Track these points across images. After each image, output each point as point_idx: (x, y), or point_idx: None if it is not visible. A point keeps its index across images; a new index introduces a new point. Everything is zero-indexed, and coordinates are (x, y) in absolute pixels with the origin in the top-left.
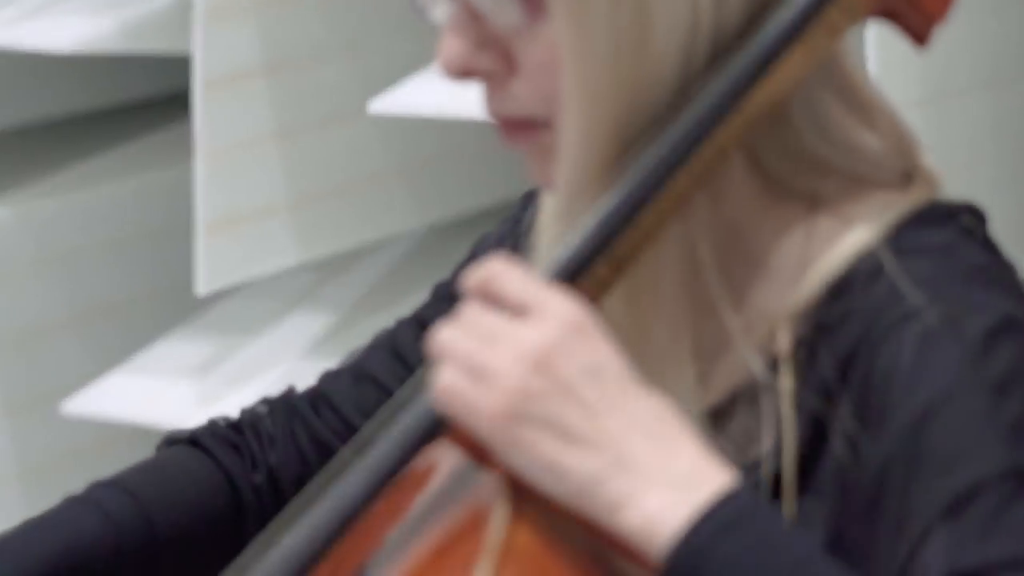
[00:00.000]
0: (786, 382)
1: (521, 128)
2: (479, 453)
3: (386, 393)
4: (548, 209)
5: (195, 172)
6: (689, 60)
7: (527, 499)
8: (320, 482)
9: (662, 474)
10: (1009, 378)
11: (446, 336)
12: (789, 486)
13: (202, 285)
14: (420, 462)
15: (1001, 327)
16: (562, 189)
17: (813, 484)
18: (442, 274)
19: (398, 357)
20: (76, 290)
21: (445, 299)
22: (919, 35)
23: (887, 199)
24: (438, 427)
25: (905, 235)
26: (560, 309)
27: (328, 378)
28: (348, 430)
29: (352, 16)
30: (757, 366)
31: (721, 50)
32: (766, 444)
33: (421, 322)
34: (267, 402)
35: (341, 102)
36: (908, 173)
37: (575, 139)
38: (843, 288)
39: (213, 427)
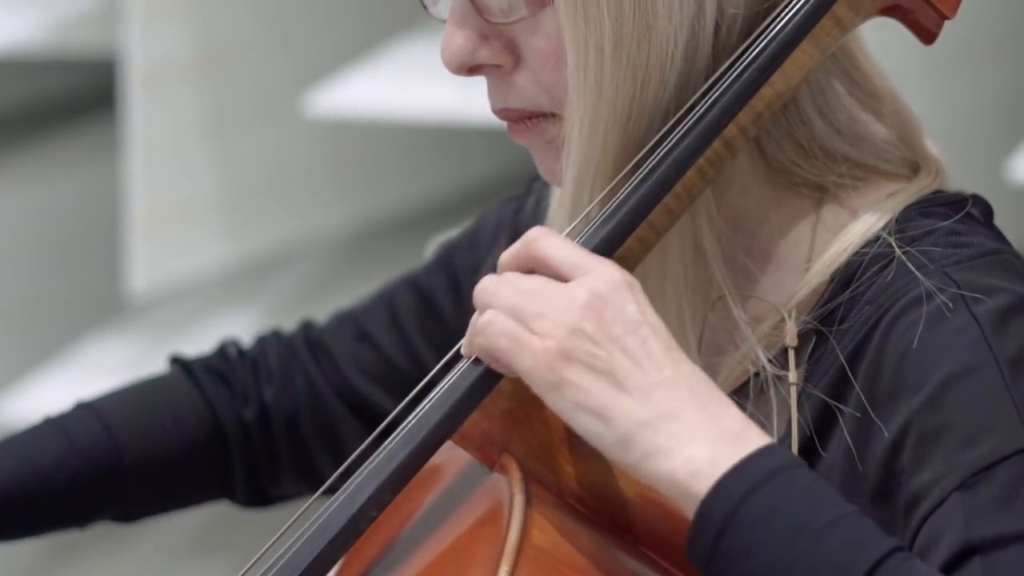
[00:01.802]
0: (793, 373)
1: (527, 121)
2: (487, 454)
3: (382, 356)
4: (556, 203)
5: (126, 168)
6: (694, 49)
7: (541, 498)
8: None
9: (710, 428)
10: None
11: (491, 285)
12: None
13: (134, 281)
14: (427, 464)
15: (1013, 307)
16: (569, 181)
17: (820, 474)
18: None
19: (396, 323)
20: (7, 289)
21: (444, 268)
22: (928, 31)
23: (894, 188)
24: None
25: (912, 222)
26: (607, 270)
27: (334, 326)
28: (342, 383)
29: (283, 11)
30: (763, 358)
31: (727, 40)
32: (775, 436)
33: (419, 288)
34: (278, 336)
35: (273, 98)
36: (915, 162)
37: (581, 130)
38: (851, 277)
39: (213, 356)
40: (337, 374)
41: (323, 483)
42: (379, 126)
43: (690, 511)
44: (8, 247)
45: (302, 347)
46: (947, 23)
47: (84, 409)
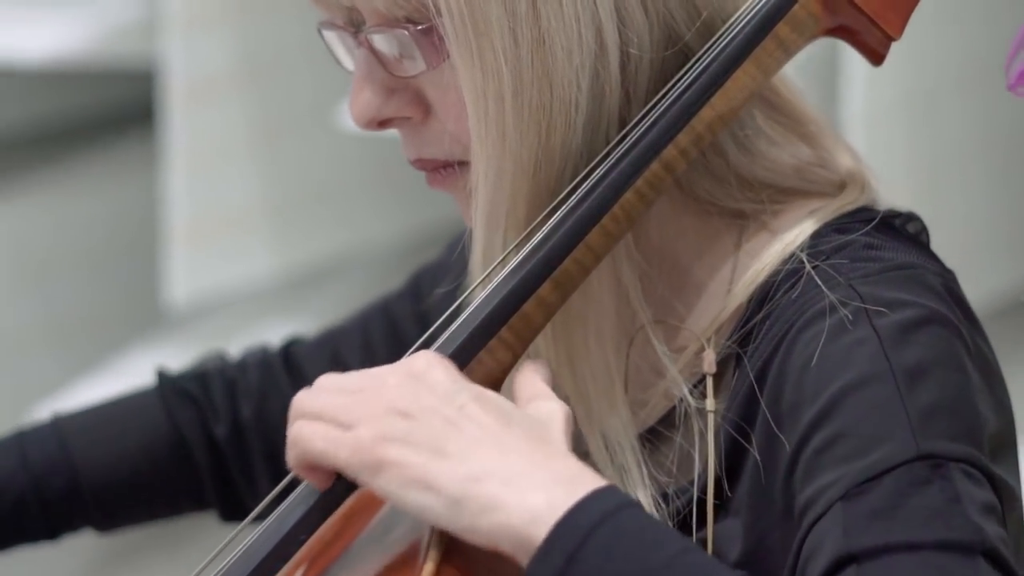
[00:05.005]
0: (711, 401)
1: (442, 170)
2: None
3: None
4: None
5: (167, 179)
6: (600, 92)
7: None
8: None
9: (542, 475)
10: (922, 367)
11: (302, 397)
12: (709, 507)
13: (174, 292)
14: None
15: (917, 320)
16: (479, 229)
17: (735, 502)
18: None
19: (367, 347)
20: (49, 301)
21: (413, 295)
22: (876, 52)
23: (814, 207)
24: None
25: (826, 238)
26: (421, 355)
27: (314, 347)
28: None
29: None
30: (684, 389)
31: (639, 78)
32: (698, 466)
33: (389, 314)
34: (261, 354)
35: (315, 109)
36: (842, 181)
37: (486, 179)
38: (766, 297)
39: (190, 373)
40: None
41: None
42: None
43: (530, 559)
44: (50, 258)
45: (280, 368)
46: (981, 34)
47: (50, 426)
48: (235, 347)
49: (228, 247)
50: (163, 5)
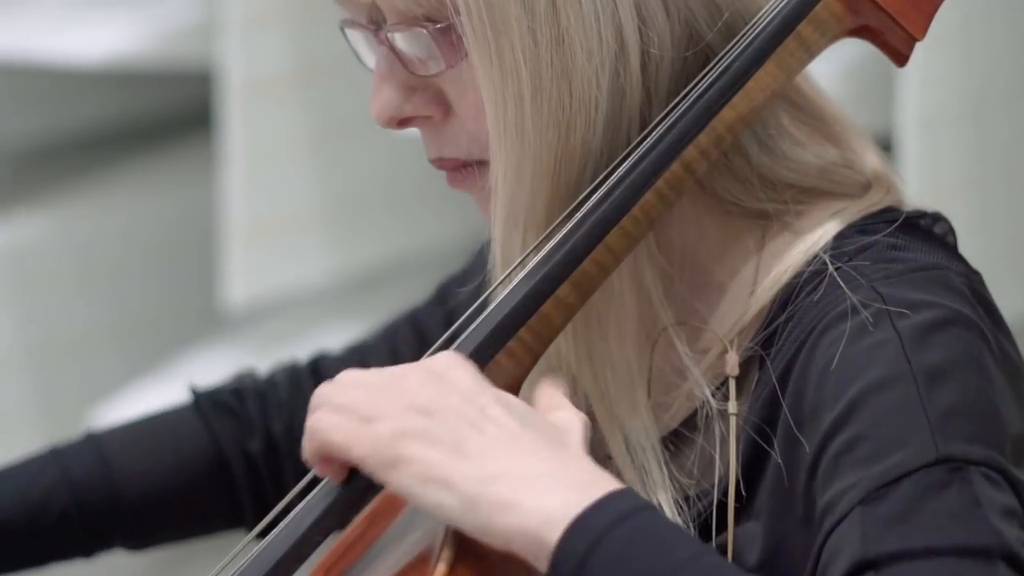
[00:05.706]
0: (733, 404)
1: (461, 170)
2: None
3: None
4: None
5: (225, 180)
6: (620, 91)
7: (466, 542)
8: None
9: (558, 478)
10: (944, 369)
11: (322, 390)
12: (730, 511)
13: (232, 294)
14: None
15: (939, 322)
16: (497, 230)
17: (756, 505)
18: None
19: (395, 358)
20: (108, 303)
21: (440, 303)
22: (900, 53)
23: (838, 207)
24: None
25: (849, 239)
26: (444, 354)
27: (340, 359)
28: None
29: None
30: (706, 392)
31: (659, 77)
32: (719, 469)
33: (417, 323)
34: (291, 368)
35: None
36: (867, 182)
37: (505, 179)
38: (789, 299)
39: (227, 388)
40: None
41: None
42: None
43: (542, 561)
44: (108, 260)
45: (308, 381)
46: None
47: (88, 441)
48: (293, 349)
49: (287, 249)
50: (222, 7)
